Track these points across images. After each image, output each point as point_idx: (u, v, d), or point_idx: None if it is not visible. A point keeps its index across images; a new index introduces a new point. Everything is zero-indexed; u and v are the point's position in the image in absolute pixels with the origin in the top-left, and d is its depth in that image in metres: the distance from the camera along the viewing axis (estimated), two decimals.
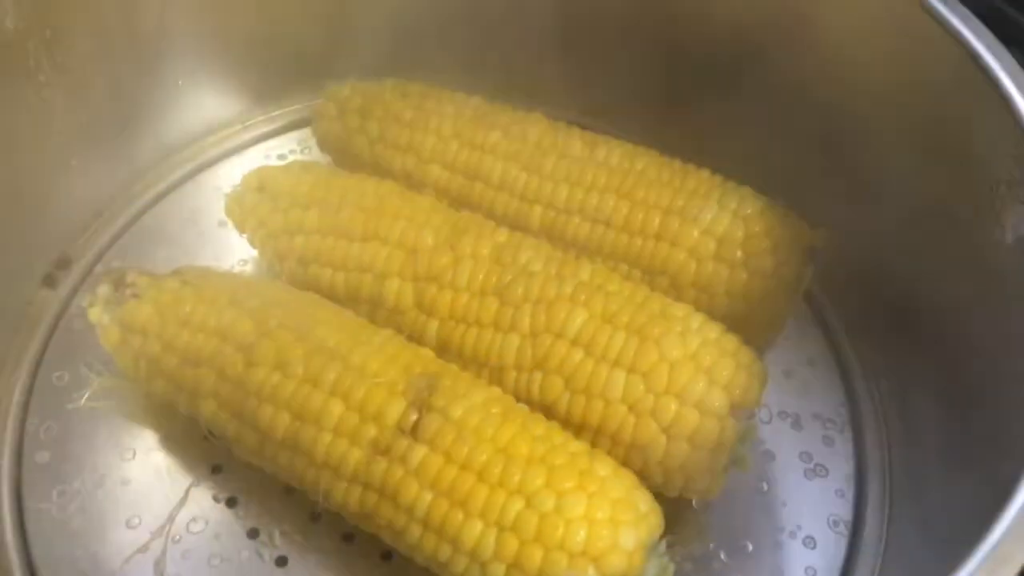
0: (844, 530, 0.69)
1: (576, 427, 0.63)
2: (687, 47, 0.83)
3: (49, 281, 0.80)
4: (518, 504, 0.55)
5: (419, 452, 0.58)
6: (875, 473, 0.72)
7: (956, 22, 0.62)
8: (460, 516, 0.56)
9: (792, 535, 0.69)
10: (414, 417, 0.59)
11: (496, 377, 0.66)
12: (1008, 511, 0.44)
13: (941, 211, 0.67)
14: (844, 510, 0.70)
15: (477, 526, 0.56)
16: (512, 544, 0.55)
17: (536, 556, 0.54)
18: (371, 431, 0.59)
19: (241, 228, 0.78)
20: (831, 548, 0.69)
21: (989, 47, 0.60)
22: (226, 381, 0.63)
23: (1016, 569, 0.42)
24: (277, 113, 0.94)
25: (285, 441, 0.61)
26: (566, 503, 0.55)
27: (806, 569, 0.68)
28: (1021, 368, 0.58)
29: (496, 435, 0.58)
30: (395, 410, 0.59)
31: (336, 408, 0.60)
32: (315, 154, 0.89)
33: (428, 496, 0.57)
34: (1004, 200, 0.60)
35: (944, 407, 0.68)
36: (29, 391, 0.74)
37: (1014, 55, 0.59)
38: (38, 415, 0.73)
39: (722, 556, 0.68)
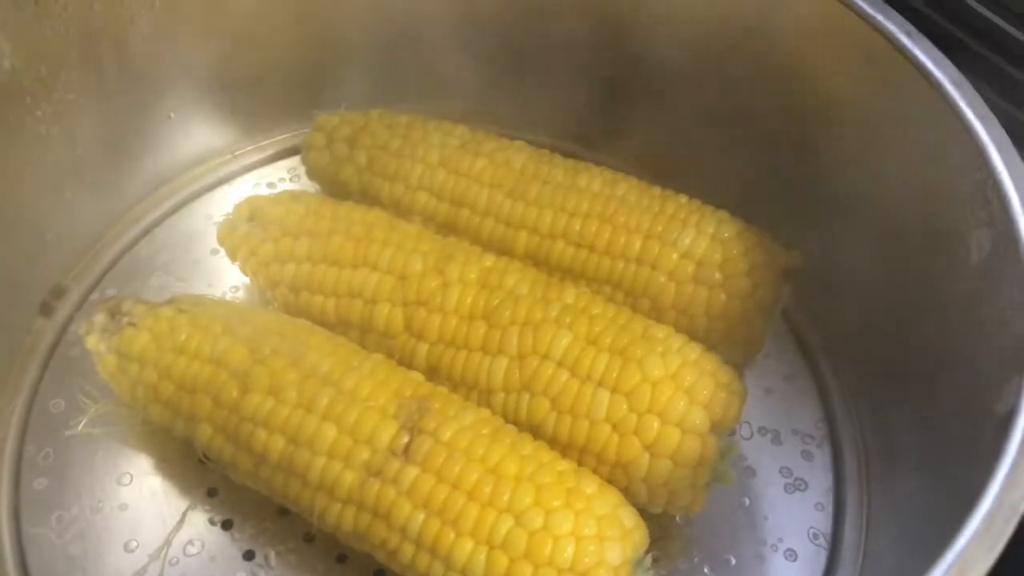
0: (824, 542, 0.72)
1: (563, 447, 0.65)
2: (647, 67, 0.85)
3: (45, 310, 0.81)
4: (508, 522, 0.57)
5: (411, 473, 0.60)
6: (853, 486, 0.74)
7: (920, 54, 0.64)
8: (452, 534, 0.58)
9: (774, 548, 0.71)
10: (405, 439, 0.61)
11: (484, 399, 0.68)
12: (973, 519, 0.46)
13: (910, 232, 0.70)
14: (823, 523, 0.73)
15: (468, 544, 0.58)
16: (502, 561, 0.57)
17: (526, 572, 0.56)
18: (364, 454, 0.61)
19: (233, 256, 0.79)
20: (812, 560, 0.71)
21: (951, 78, 0.63)
22: (222, 407, 0.65)
23: (981, 573, 0.44)
24: (266, 143, 0.96)
25: (280, 464, 0.63)
26: (554, 520, 0.57)
27: None
28: (988, 382, 0.60)
29: (486, 455, 0.60)
30: (387, 433, 0.61)
31: (330, 432, 0.62)
32: (304, 182, 0.91)
33: (420, 516, 0.59)
34: (968, 222, 0.62)
35: (918, 421, 0.70)
36: (26, 418, 0.76)
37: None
38: (36, 442, 0.74)
39: (706, 570, 0.70)
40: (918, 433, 0.70)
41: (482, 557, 0.57)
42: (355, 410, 0.62)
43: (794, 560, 0.71)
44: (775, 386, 0.80)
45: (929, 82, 0.63)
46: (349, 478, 0.61)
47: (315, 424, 0.62)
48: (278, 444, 0.63)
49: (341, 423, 0.62)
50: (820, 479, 0.75)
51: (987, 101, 0.62)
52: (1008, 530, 0.46)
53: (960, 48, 0.72)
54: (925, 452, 0.68)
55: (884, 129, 0.70)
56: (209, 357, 0.66)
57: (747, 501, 0.74)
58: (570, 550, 0.56)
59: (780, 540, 0.71)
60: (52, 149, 0.79)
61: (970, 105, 0.61)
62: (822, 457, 0.76)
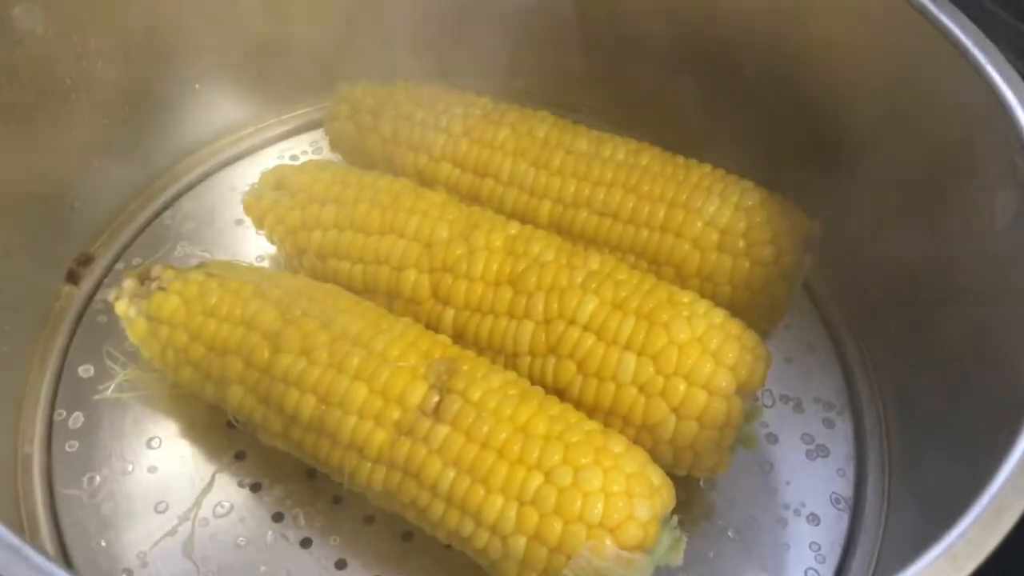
0: (846, 507, 0.72)
1: (589, 409, 0.66)
2: (682, 44, 0.86)
3: (72, 278, 0.82)
4: (537, 479, 0.58)
5: (441, 432, 0.60)
6: (874, 452, 0.75)
7: (945, 19, 0.65)
8: (482, 492, 0.59)
9: (796, 512, 0.72)
10: (435, 399, 0.61)
11: (511, 363, 0.68)
12: (1007, 463, 0.47)
13: (933, 198, 0.70)
14: (845, 488, 0.73)
15: (498, 501, 0.58)
16: (533, 517, 0.57)
17: (556, 528, 0.57)
18: (395, 413, 0.62)
19: (259, 225, 0.80)
20: (834, 524, 0.71)
21: (977, 42, 0.63)
22: (253, 368, 0.66)
23: (1014, 519, 0.45)
24: (288, 116, 0.97)
25: (311, 424, 0.64)
26: (583, 477, 0.58)
27: (811, 544, 0.70)
28: (1009, 348, 0.61)
29: (514, 415, 0.60)
30: (417, 393, 0.62)
31: (360, 392, 0.62)
32: (326, 155, 0.92)
33: (451, 473, 0.60)
34: (993, 187, 0.63)
35: (938, 387, 0.71)
36: (56, 383, 0.77)
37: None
38: (66, 407, 0.75)
39: (730, 534, 0.71)
40: (940, 400, 0.71)
41: (512, 513, 0.58)
42: (385, 370, 0.63)
43: (816, 524, 0.71)
44: (796, 356, 0.81)
45: (954, 46, 0.64)
46: (380, 437, 0.62)
47: (346, 384, 0.63)
48: (309, 404, 0.63)
49: (372, 383, 0.62)
50: (841, 446, 0.76)
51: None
52: None
53: (980, 10, 0.72)
54: (947, 418, 0.69)
55: (908, 95, 0.71)
56: (240, 319, 0.67)
57: (769, 467, 0.74)
58: (600, 506, 0.57)
59: (803, 504, 0.72)
60: (80, 118, 0.80)
61: (997, 68, 0.61)
62: (843, 424, 0.77)
